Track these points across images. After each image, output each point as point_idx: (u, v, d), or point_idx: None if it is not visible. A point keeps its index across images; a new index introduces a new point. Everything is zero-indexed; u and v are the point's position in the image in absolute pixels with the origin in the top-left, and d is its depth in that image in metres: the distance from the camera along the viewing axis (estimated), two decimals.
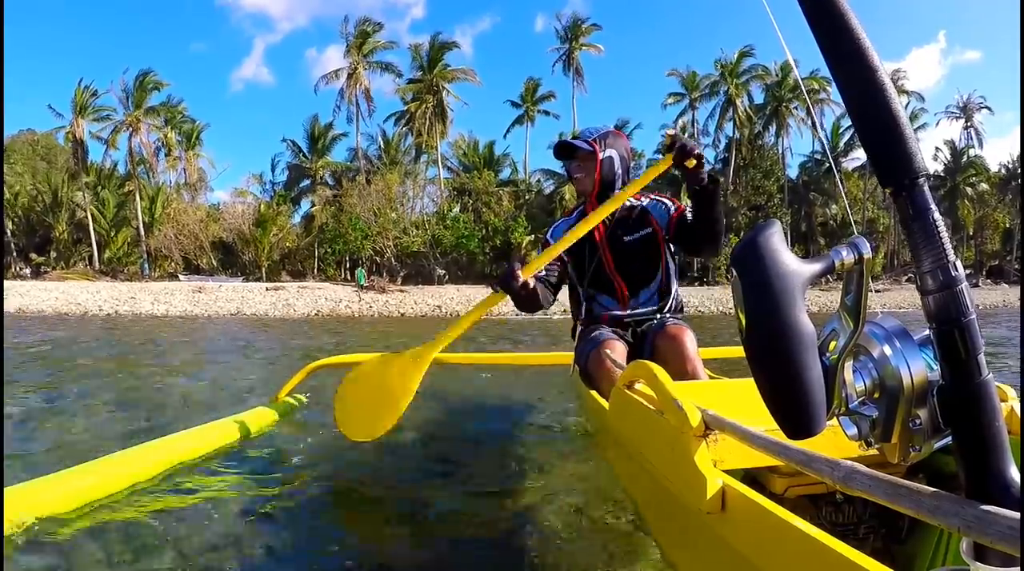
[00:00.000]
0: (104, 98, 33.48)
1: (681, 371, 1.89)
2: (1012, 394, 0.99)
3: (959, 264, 0.47)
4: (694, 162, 1.83)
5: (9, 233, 36.06)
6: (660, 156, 1.95)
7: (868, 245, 0.50)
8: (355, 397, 2.18)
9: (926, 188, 0.48)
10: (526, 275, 1.89)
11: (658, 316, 2.23)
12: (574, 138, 2.19)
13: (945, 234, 0.47)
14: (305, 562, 1.61)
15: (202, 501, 1.98)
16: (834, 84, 0.50)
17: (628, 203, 2.23)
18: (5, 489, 1.61)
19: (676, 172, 1.97)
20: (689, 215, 2.12)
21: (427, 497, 2.08)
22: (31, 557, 1.53)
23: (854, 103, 0.49)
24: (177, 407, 3.61)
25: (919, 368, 0.51)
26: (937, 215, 0.47)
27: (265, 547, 1.65)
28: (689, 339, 1.95)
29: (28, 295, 18.87)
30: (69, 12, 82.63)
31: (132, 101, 33.15)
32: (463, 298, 19.74)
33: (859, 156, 34.44)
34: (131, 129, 32.99)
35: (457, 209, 33.53)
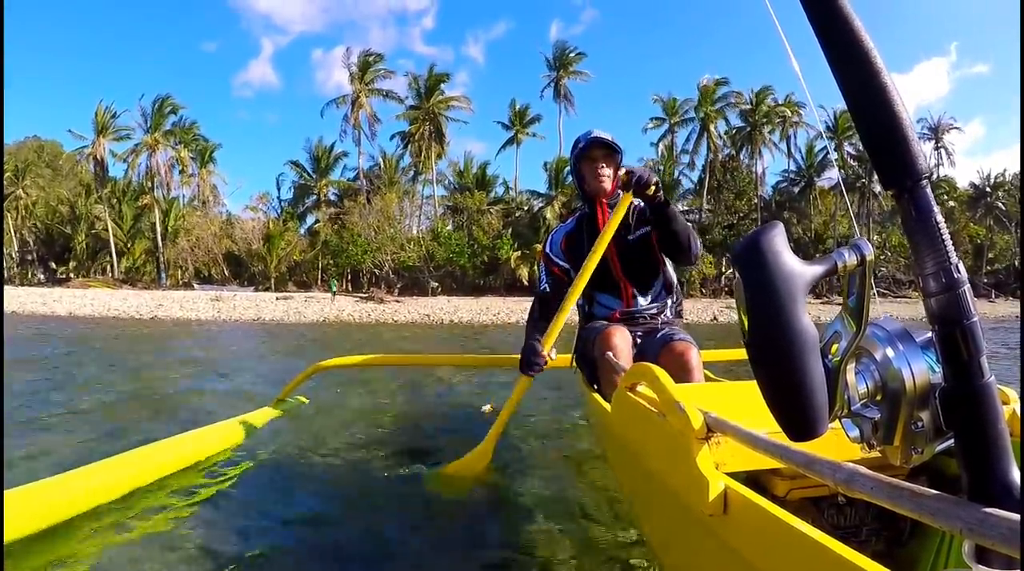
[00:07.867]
0: (123, 117, 33.72)
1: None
2: (1013, 396, 0.96)
3: (961, 266, 0.44)
4: (652, 189, 1.91)
5: (31, 242, 35.81)
6: (621, 193, 2.02)
7: (870, 247, 0.47)
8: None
9: (929, 190, 0.45)
10: (547, 347, 2.07)
11: (664, 315, 2.15)
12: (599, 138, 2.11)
13: (947, 236, 0.44)
14: (308, 560, 1.57)
15: (203, 502, 1.94)
16: (837, 85, 0.47)
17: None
18: (6, 492, 1.54)
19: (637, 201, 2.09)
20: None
21: (427, 499, 2.04)
22: (32, 561, 1.48)
23: (856, 104, 0.47)
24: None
25: (921, 370, 0.48)
26: (939, 217, 0.45)
27: (268, 546, 1.62)
28: (694, 355, 1.85)
29: (62, 301, 18.97)
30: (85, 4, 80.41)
31: (151, 123, 33.18)
32: (452, 308, 20.32)
33: (832, 176, 34.67)
34: (149, 150, 32.94)
35: (450, 226, 33.70)
